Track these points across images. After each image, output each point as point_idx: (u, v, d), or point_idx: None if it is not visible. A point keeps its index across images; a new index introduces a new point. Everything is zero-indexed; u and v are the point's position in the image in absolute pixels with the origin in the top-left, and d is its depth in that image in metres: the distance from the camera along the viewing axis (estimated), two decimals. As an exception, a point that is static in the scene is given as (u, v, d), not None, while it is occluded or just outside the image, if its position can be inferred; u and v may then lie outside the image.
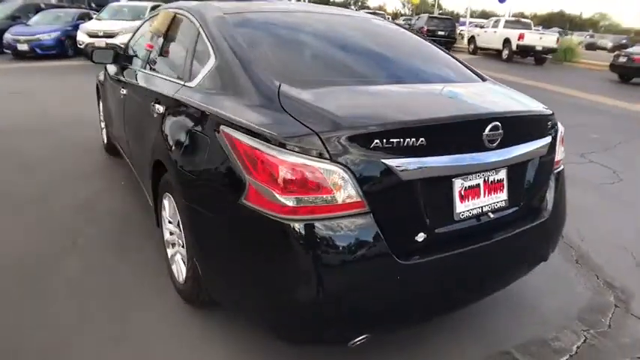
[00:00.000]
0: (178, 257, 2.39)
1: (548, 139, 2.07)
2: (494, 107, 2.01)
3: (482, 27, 22.74)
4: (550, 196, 2.17)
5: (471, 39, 22.22)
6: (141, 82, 2.91)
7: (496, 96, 2.25)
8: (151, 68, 2.94)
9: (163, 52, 2.89)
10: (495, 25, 20.39)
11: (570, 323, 2.46)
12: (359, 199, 1.56)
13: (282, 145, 1.53)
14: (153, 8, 12.61)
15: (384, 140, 1.56)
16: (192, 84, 2.23)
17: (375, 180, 1.58)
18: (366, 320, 1.69)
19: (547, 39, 18.39)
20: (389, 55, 2.47)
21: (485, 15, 71.92)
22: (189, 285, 2.20)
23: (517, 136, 1.91)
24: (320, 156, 1.52)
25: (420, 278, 1.72)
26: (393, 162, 1.58)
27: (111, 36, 12.28)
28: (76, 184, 3.93)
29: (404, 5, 72.82)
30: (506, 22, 19.99)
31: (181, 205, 2.07)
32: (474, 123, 1.77)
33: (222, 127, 1.77)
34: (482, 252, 1.83)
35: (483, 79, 2.49)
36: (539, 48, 18.05)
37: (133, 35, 3.79)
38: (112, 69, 3.86)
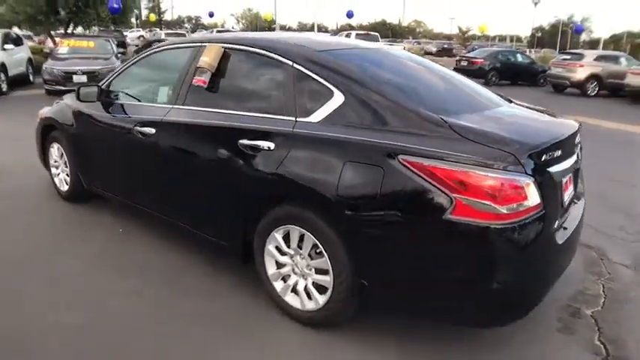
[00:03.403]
0: (302, 285, 2.46)
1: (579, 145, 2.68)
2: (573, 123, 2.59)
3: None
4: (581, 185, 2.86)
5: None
6: (200, 120, 2.78)
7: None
8: (209, 105, 2.82)
9: (231, 89, 2.84)
10: (347, 37, 22.30)
11: (585, 278, 3.19)
12: (539, 201, 1.99)
13: (490, 167, 1.90)
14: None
15: (549, 153, 2.08)
16: (314, 119, 2.34)
17: (545, 184, 2.03)
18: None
19: (396, 49, 20.74)
20: (449, 84, 2.83)
21: (319, 28, 76.82)
22: (334, 306, 2.33)
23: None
24: (518, 171, 1.92)
25: (563, 254, 2.20)
26: (552, 169, 2.08)
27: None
28: (80, 235, 3.57)
29: (238, 21, 73.94)
30: (357, 34, 22.07)
31: (346, 230, 2.19)
32: (572, 136, 2.37)
33: (401, 157, 2.01)
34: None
35: (510, 101, 2.96)
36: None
37: (119, 74, 3.56)
38: (96, 109, 3.55)
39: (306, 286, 2.45)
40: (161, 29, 38.37)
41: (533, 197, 1.96)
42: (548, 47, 52.98)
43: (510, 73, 17.66)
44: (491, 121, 2.30)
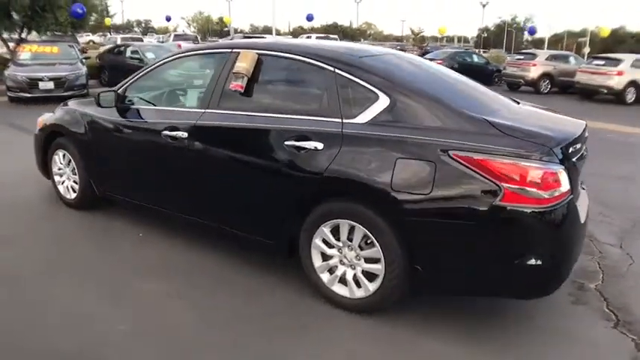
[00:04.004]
0: (350, 275, 2.63)
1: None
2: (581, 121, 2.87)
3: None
4: None
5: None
6: (241, 123, 2.89)
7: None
8: (247, 108, 2.93)
9: (270, 93, 2.98)
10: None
11: (581, 257, 3.52)
12: (569, 187, 2.28)
13: (531, 158, 2.20)
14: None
15: (572, 146, 2.41)
16: (360, 120, 2.53)
17: (570, 172, 2.33)
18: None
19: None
20: (467, 86, 3.06)
21: (267, 31, 76.66)
22: (385, 291, 2.52)
23: None
24: (553, 161, 2.23)
25: (583, 231, 2.58)
26: (573, 159, 2.40)
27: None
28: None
29: (189, 25, 72.64)
30: (317, 37, 22.44)
31: (400, 221, 2.39)
32: (584, 131, 2.68)
33: (452, 152, 2.26)
34: None
35: (517, 102, 3.21)
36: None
37: (135, 80, 3.59)
38: (115, 114, 3.57)
39: (354, 275, 2.62)
40: (110, 33, 37.20)
41: (565, 183, 2.26)
42: (493, 47, 55.22)
43: (467, 73, 18.20)
44: (519, 119, 2.57)
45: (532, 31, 32.37)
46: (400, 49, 25.48)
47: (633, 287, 3.17)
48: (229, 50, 3.10)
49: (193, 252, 3.40)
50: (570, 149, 2.40)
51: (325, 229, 2.63)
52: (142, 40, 21.26)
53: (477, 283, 2.42)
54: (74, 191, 4.13)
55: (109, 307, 2.73)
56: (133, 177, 3.60)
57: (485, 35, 70.36)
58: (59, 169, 4.22)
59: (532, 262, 2.27)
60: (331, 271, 2.71)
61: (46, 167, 4.37)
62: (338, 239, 2.63)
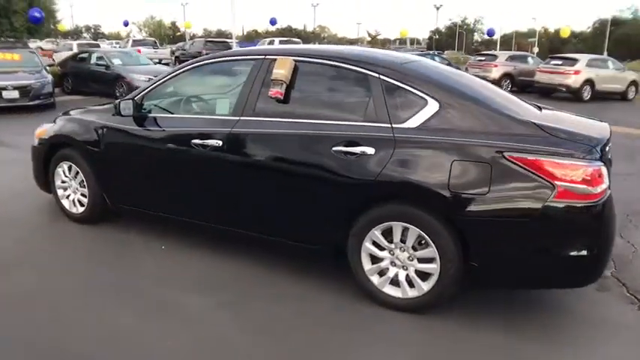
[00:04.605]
0: (402, 275, 2.69)
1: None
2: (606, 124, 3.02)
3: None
4: None
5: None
6: (284, 130, 2.88)
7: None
8: (287, 115, 2.92)
9: (311, 100, 2.98)
10: (270, 44, 22.51)
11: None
12: (608, 182, 2.44)
13: (582, 157, 2.35)
14: None
15: (607, 146, 2.58)
16: (410, 125, 2.59)
17: (607, 169, 2.49)
18: None
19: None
20: (497, 92, 3.16)
21: (221, 35, 75.67)
22: (439, 290, 2.60)
23: None
24: (597, 160, 2.39)
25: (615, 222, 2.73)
26: (608, 156, 2.55)
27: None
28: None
29: (140, 30, 70.56)
30: (280, 41, 22.40)
31: (457, 220, 2.47)
32: (611, 132, 2.81)
33: (507, 154, 2.37)
34: None
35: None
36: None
37: (153, 88, 3.50)
38: (133, 123, 3.46)
39: (406, 276, 2.68)
40: (58, 39, 35.64)
41: (606, 179, 2.42)
42: (445, 49, 56.91)
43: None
44: (555, 121, 2.71)
45: (491, 33, 33.74)
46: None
47: (643, 272, 3.41)
48: (262, 57, 3.07)
49: (227, 262, 3.34)
50: (607, 148, 2.56)
51: (377, 232, 2.66)
52: (99, 46, 20.46)
53: (530, 275, 2.53)
54: (81, 205, 3.97)
55: (155, 322, 2.66)
56: (156, 187, 3.49)
57: (437, 37, 72.54)
58: (63, 182, 4.04)
59: (582, 253, 2.42)
60: (381, 273, 2.75)
61: (46, 181, 4.16)
62: (389, 241, 2.67)
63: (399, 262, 2.68)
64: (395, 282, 2.72)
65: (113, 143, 3.60)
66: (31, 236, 3.83)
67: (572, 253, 2.42)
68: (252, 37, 77.95)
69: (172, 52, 25.37)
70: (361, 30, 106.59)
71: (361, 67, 2.79)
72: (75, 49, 19.42)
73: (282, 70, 2.89)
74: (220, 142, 3.01)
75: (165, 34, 67.61)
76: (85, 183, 3.86)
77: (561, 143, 2.40)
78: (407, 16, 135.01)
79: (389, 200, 2.63)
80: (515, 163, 2.36)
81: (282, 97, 2.89)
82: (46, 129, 4.15)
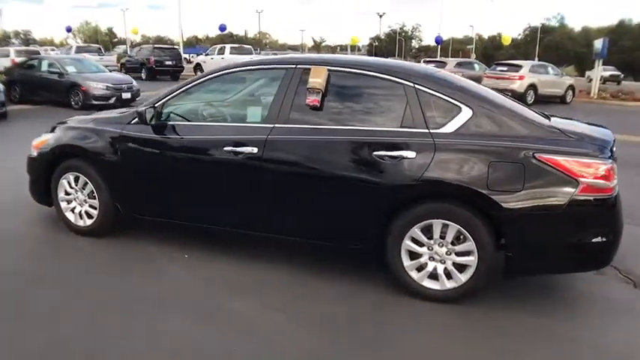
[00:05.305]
0: (441, 269, 2.90)
1: None
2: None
3: (207, 54, 24.19)
4: None
5: (197, 66, 23.47)
6: (325, 137, 3.01)
7: None
8: (324, 122, 3.06)
9: (347, 107, 3.12)
10: (221, 51, 22.32)
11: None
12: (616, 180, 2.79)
13: (599, 156, 2.69)
14: None
15: (614, 147, 2.86)
16: (447, 130, 2.82)
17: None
18: None
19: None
20: (504, 98, 3.42)
21: (161, 41, 73.65)
22: (476, 280, 2.83)
23: None
24: (609, 158, 2.72)
25: None
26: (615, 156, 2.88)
27: None
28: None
29: (75, 36, 67.35)
30: (232, 48, 22.23)
31: (495, 216, 2.71)
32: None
33: (537, 154, 2.65)
34: None
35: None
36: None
37: (174, 96, 3.50)
38: (154, 132, 3.44)
39: (444, 269, 2.89)
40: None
41: (616, 175, 2.75)
42: (385, 55, 58.65)
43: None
44: (572, 127, 3.03)
45: (439, 41, 35.28)
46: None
47: (629, 256, 3.81)
48: (293, 66, 3.19)
49: (253, 267, 3.40)
50: (613, 148, 2.89)
51: (417, 230, 2.86)
52: (39, 53, 19.38)
53: (558, 262, 2.83)
54: (89, 217, 3.86)
55: (208, 328, 2.68)
56: (182, 196, 3.48)
57: (377, 44, 74.61)
58: (67, 194, 3.91)
59: (600, 239, 2.74)
60: (420, 268, 2.94)
61: (46, 193, 4.01)
62: (429, 238, 2.87)
63: (437, 256, 2.89)
64: (433, 275, 2.92)
65: (132, 152, 3.55)
66: (39, 250, 3.72)
67: (592, 241, 2.74)
68: (192, 44, 76.47)
69: (118, 59, 24.47)
70: (305, 36, 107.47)
71: (396, 77, 2.99)
72: (12, 56, 18.35)
73: (318, 78, 3.02)
74: (256, 149, 3.08)
75: (102, 40, 64.86)
76: (94, 194, 3.77)
77: (581, 144, 2.74)
78: (351, 23, 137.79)
79: (430, 200, 2.84)
80: (544, 163, 2.65)
81: (319, 105, 3.01)
82: (46, 139, 4.00)
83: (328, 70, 3.09)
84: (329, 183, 3.01)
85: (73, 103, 11.53)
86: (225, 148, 3.17)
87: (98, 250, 3.69)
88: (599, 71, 19.57)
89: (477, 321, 2.82)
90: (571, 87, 16.93)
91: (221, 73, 3.43)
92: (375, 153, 2.86)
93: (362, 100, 3.14)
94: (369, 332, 2.70)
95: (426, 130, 2.83)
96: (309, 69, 3.11)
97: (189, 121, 3.52)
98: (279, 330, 2.70)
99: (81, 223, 3.90)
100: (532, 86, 15.50)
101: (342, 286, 3.17)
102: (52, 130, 4.12)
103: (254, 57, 21.64)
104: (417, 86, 2.93)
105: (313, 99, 3.01)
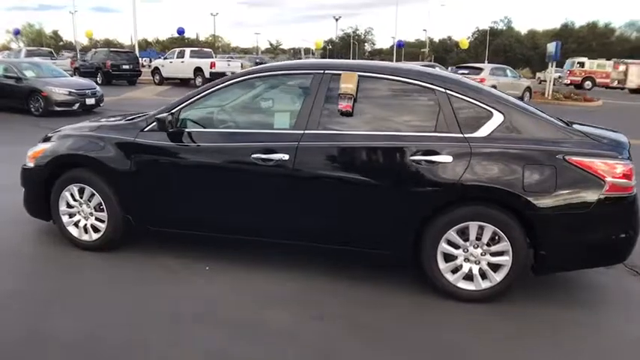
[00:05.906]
0: (476, 269, 2.97)
1: None
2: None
3: (165, 58, 23.49)
4: None
5: (155, 70, 22.79)
6: (358, 142, 3.03)
7: None
8: (357, 128, 3.09)
9: (378, 113, 3.14)
10: (181, 55, 21.77)
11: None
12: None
13: (621, 158, 2.86)
14: None
15: (629, 149, 3.03)
16: (481, 134, 2.90)
17: None
18: None
19: (234, 65, 21.42)
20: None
21: (109, 44, 71.04)
22: (510, 279, 2.94)
23: None
24: (629, 159, 2.89)
25: None
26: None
27: None
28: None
29: (17, 39, 63.53)
30: (192, 52, 21.74)
31: (529, 216, 2.82)
32: None
33: (567, 157, 2.80)
34: None
35: None
36: (229, 73, 20.58)
37: (192, 102, 3.40)
38: (170, 139, 3.33)
39: (479, 270, 2.97)
40: None
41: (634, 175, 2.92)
42: (338, 58, 59.11)
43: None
44: (594, 131, 3.18)
45: (400, 44, 36.17)
46: (259, 63, 25.81)
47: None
48: (321, 71, 3.17)
49: (282, 274, 3.36)
50: (629, 150, 3.07)
51: (453, 232, 2.92)
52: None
53: (586, 258, 2.99)
54: (95, 231, 3.68)
55: (255, 342, 2.62)
56: (206, 206, 3.38)
57: (331, 47, 75.25)
58: (69, 206, 3.70)
59: (623, 235, 2.91)
60: (455, 270, 3.00)
61: (45, 207, 3.78)
62: (465, 240, 2.93)
63: (472, 257, 2.96)
64: (467, 276, 2.99)
65: (151, 161, 3.41)
66: (45, 269, 3.50)
67: (617, 236, 2.91)
68: (143, 47, 74.20)
69: (72, 63, 23.35)
70: (260, 40, 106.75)
71: (427, 83, 3.04)
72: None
73: (349, 84, 3.02)
74: (287, 156, 3.04)
75: (47, 44, 61.72)
76: (102, 206, 3.58)
77: (605, 147, 2.91)
78: (308, 26, 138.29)
79: (466, 203, 2.91)
80: (574, 165, 2.80)
81: (351, 111, 3.01)
82: (43, 149, 3.78)
83: (358, 75, 3.10)
84: (364, 188, 3.01)
85: (32, 109, 10.91)
86: (253, 156, 3.11)
87: (108, 266, 3.51)
88: (553, 73, 20.62)
89: (508, 317, 2.92)
90: (528, 88, 17.78)
91: (242, 78, 3.37)
92: (412, 158, 2.89)
93: (393, 105, 3.16)
94: (417, 335, 2.72)
95: (461, 135, 2.90)
96: (339, 74, 3.11)
97: (210, 128, 3.43)
98: (321, 338, 2.67)
99: (86, 237, 3.70)
100: (492, 88, 16.05)
101: (380, 291, 3.17)
102: (47, 139, 3.90)
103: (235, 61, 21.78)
104: (448, 92, 2.99)
105: (345, 104, 3.01)
